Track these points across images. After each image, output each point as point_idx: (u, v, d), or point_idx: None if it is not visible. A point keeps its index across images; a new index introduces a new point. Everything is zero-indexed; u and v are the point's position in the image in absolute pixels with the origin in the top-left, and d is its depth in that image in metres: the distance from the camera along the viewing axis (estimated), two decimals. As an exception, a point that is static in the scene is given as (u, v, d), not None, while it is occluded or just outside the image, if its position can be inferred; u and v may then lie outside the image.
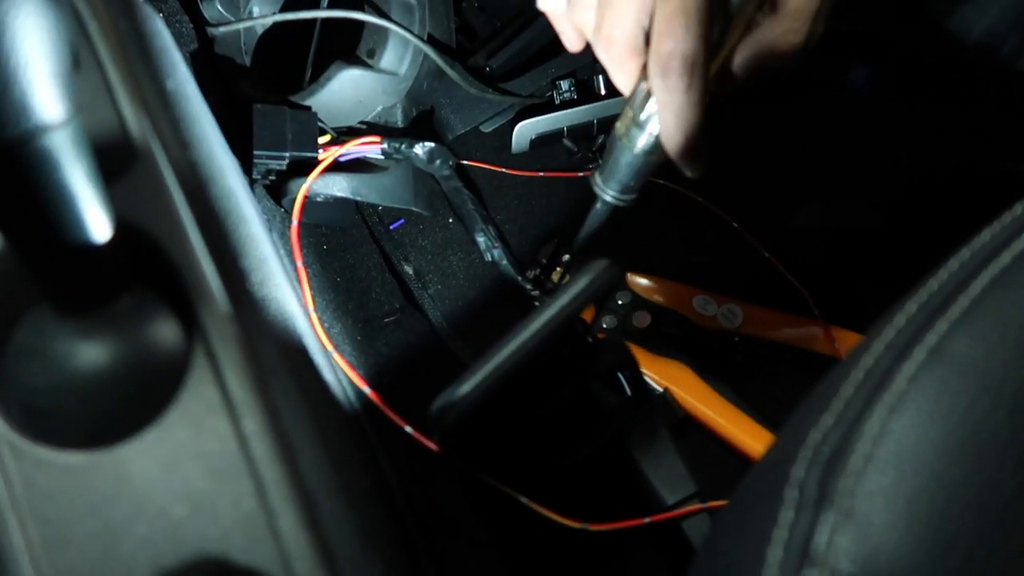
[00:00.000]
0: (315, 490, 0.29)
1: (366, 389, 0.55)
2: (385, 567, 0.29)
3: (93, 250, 0.27)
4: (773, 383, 0.68)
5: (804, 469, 0.24)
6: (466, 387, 0.40)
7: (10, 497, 0.27)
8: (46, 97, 0.23)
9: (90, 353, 0.28)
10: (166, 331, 0.30)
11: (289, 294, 0.34)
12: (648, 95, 0.51)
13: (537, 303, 0.71)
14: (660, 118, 0.49)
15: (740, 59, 0.50)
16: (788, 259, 0.72)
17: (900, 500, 0.23)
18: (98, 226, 0.27)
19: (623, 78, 0.53)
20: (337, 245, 0.77)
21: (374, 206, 0.76)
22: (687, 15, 0.45)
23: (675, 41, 0.46)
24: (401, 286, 0.76)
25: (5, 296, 0.30)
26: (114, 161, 0.32)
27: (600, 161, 0.56)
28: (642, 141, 0.52)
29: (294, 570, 0.27)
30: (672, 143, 0.50)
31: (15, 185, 0.24)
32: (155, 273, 0.31)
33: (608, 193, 0.55)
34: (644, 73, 0.51)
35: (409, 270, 0.74)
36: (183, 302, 0.30)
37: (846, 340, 0.68)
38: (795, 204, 0.78)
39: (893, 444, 0.24)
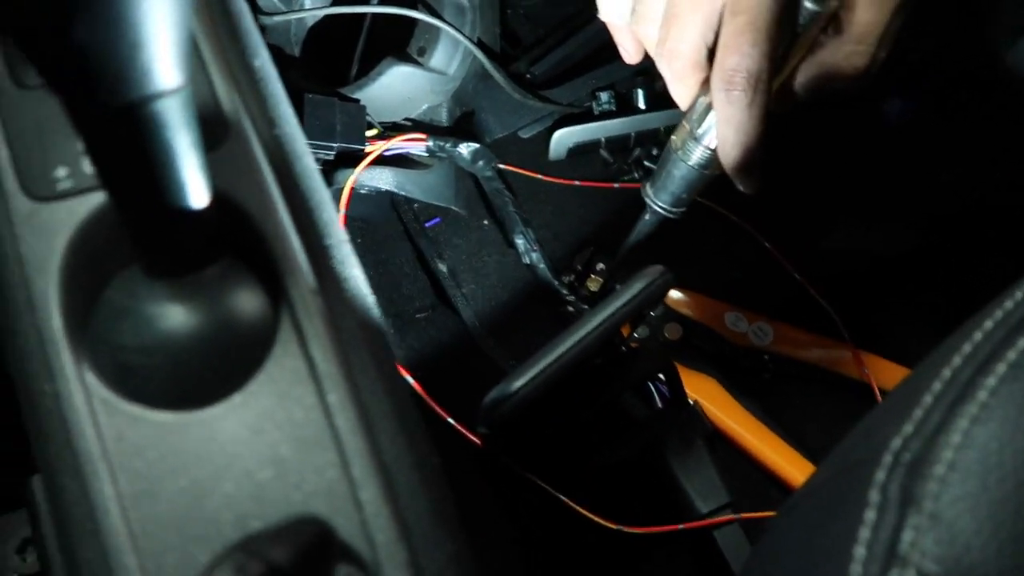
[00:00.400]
0: (392, 465, 0.29)
1: (409, 378, 0.56)
2: (454, 546, 0.30)
3: (191, 215, 0.28)
4: (800, 402, 0.69)
5: (886, 473, 0.25)
6: (520, 381, 0.41)
7: (102, 450, 0.28)
8: (170, 62, 0.24)
9: (181, 316, 0.29)
10: (254, 300, 0.30)
11: (363, 276, 0.35)
12: (707, 109, 0.52)
13: (571, 307, 0.72)
14: (719, 132, 0.50)
15: (802, 78, 0.51)
16: (820, 279, 0.73)
17: (984, 507, 0.23)
18: (198, 192, 0.28)
19: (683, 91, 0.53)
20: (371, 240, 0.78)
21: (410, 203, 0.77)
22: (755, 31, 0.46)
23: (741, 56, 0.47)
24: (433, 284, 0.76)
25: (98, 256, 0.31)
26: (209, 133, 0.33)
27: (636, 172, 0.57)
28: (697, 154, 0.53)
29: (375, 540, 0.27)
30: (730, 158, 0.50)
31: (132, 144, 0.25)
32: (244, 243, 0.32)
33: (658, 204, 0.55)
34: (704, 88, 0.52)
35: (443, 268, 0.75)
36: (271, 273, 0.31)
37: (875, 365, 0.68)
38: (829, 224, 0.78)
39: (976, 453, 0.24)
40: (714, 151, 0.52)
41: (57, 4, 0.20)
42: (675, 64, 0.51)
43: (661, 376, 0.56)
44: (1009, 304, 0.29)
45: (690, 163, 0.53)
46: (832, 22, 0.50)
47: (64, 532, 0.29)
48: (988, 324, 0.29)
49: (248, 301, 0.30)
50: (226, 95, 0.34)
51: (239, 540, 0.27)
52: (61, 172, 0.31)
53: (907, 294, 0.74)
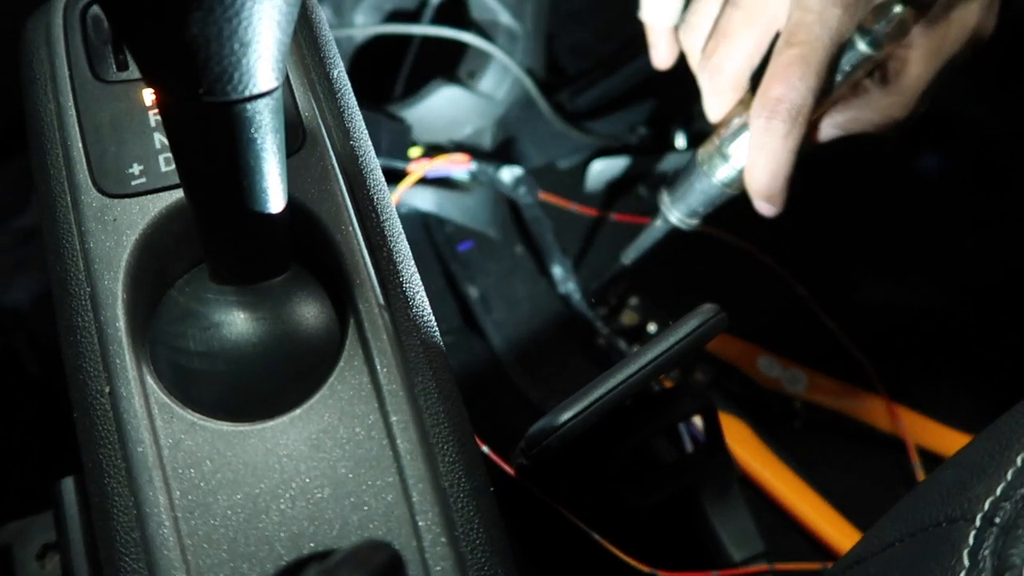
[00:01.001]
0: (451, 491, 0.28)
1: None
2: (508, 580, 0.29)
3: (268, 219, 0.27)
4: (830, 453, 0.68)
5: (977, 537, 0.24)
6: (568, 414, 0.40)
7: (157, 456, 0.27)
8: (271, 64, 0.23)
9: (247, 325, 0.28)
10: (322, 313, 0.30)
11: (426, 296, 0.34)
12: (740, 130, 0.52)
13: (603, 340, 0.71)
14: (751, 156, 0.50)
15: (840, 118, 0.51)
16: (854, 330, 0.72)
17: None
18: (276, 197, 0.27)
19: (717, 107, 0.53)
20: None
21: (443, 225, 0.76)
22: (806, 66, 0.46)
23: (788, 88, 0.47)
24: (461, 307, 0.76)
25: (165, 257, 0.30)
26: (287, 139, 0.32)
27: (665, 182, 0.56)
28: (723, 172, 0.53)
29: (431, 570, 0.26)
30: (756, 182, 0.50)
31: (221, 143, 0.24)
32: (314, 252, 0.31)
33: (674, 213, 0.55)
34: (739, 107, 0.52)
35: (474, 292, 0.74)
36: (339, 285, 0.30)
37: (909, 419, 0.67)
38: (862, 276, 0.78)
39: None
40: (740, 171, 0.52)
41: None
42: (717, 79, 0.51)
43: (696, 418, 0.55)
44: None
45: (713, 179, 0.53)
46: (879, 69, 0.50)
47: (104, 540, 0.28)
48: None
49: (315, 314, 0.30)
50: (305, 103, 0.34)
51: (293, 561, 0.26)
52: (135, 169, 0.30)
53: (943, 349, 0.73)
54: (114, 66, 0.33)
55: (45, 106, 0.33)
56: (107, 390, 0.28)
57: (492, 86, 0.73)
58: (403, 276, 0.32)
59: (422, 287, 0.33)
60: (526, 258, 0.78)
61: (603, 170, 0.81)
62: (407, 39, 0.78)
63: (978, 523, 0.24)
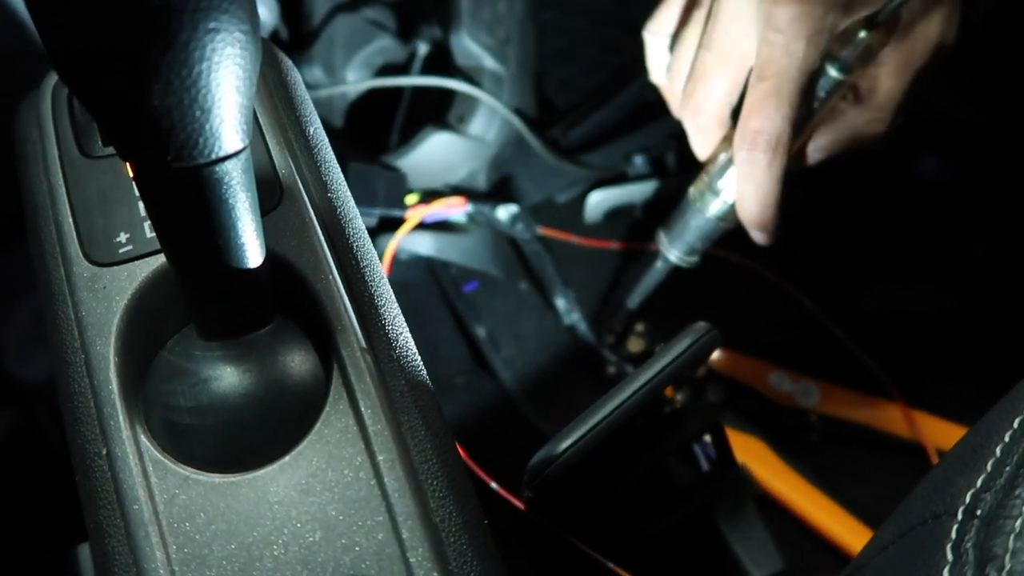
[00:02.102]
0: (442, 526, 0.29)
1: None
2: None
3: (247, 274, 0.28)
4: (850, 464, 0.67)
5: (960, 531, 0.24)
6: (566, 443, 0.40)
7: (152, 512, 0.27)
8: (234, 127, 0.25)
9: (234, 378, 0.29)
10: (306, 360, 0.31)
11: (410, 337, 0.35)
12: (727, 165, 0.53)
13: (613, 368, 0.71)
14: (739, 188, 0.51)
15: (822, 142, 0.52)
16: (865, 339, 0.72)
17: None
18: (254, 254, 0.28)
19: (703, 145, 0.55)
20: (409, 305, 0.78)
21: (447, 267, 0.78)
22: (779, 97, 0.48)
23: (764, 120, 0.48)
24: (471, 348, 0.76)
25: (154, 318, 0.31)
26: (265, 196, 0.34)
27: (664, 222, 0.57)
28: (715, 207, 0.54)
29: (424, 605, 0.27)
30: (747, 213, 0.52)
31: (194, 204, 0.26)
32: (297, 303, 0.32)
33: (673, 253, 0.56)
34: (724, 144, 0.53)
35: (482, 332, 0.75)
36: (322, 332, 0.31)
37: (926, 423, 0.66)
38: (869, 284, 0.78)
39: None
40: (732, 204, 0.53)
41: (135, 73, 0.21)
42: (698, 119, 0.53)
43: (707, 438, 0.55)
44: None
45: (707, 214, 0.54)
46: (852, 89, 0.51)
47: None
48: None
49: (300, 362, 0.30)
50: (281, 160, 0.35)
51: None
52: (122, 237, 0.32)
53: (955, 352, 0.72)
54: (99, 141, 0.35)
55: (38, 185, 0.35)
56: (104, 452, 0.29)
57: (482, 128, 0.75)
58: (385, 319, 0.33)
59: (406, 328, 0.34)
60: (531, 293, 0.78)
61: (601, 201, 0.82)
62: (398, 90, 0.80)
63: (960, 516, 0.24)
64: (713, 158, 0.55)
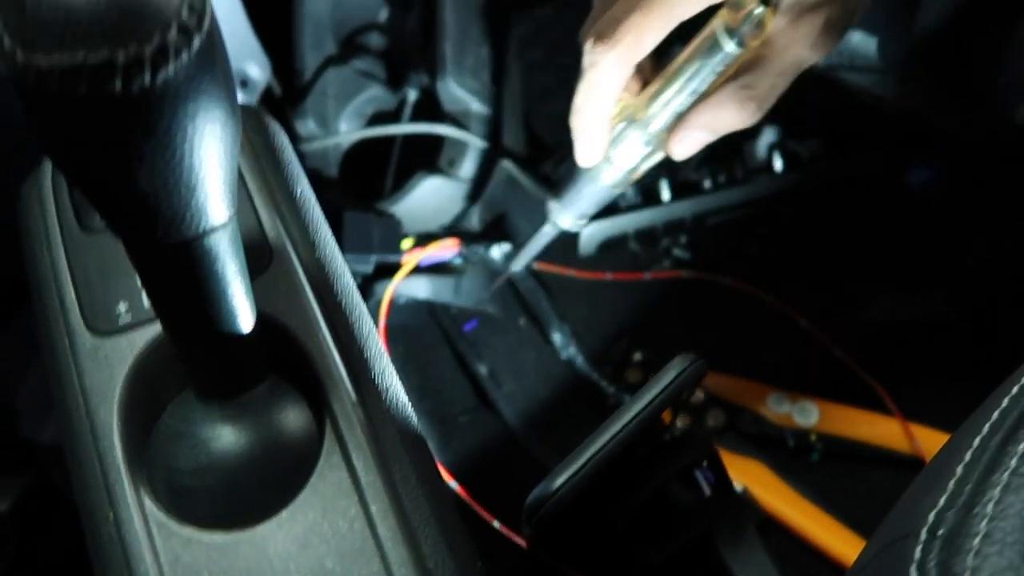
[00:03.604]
0: (435, 571, 0.30)
1: (453, 484, 0.56)
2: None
3: (239, 337, 0.30)
4: (853, 482, 0.67)
5: (923, 550, 0.25)
6: (561, 479, 0.41)
7: (159, 573, 0.29)
8: (220, 200, 0.26)
9: (231, 437, 0.31)
10: (299, 416, 0.32)
11: (401, 386, 0.36)
12: (620, 136, 0.54)
13: (612, 399, 0.72)
14: (579, 97, 0.51)
15: (703, 119, 0.51)
16: (861, 354, 0.73)
17: (1025, 580, 0.23)
18: (245, 317, 0.30)
19: (587, 144, 0.55)
20: (412, 347, 0.80)
21: (447, 308, 0.79)
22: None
23: (622, 14, 0.47)
24: (474, 386, 0.78)
25: (155, 383, 0.33)
26: (255, 259, 0.36)
27: (664, 262, 0.58)
28: (608, 175, 0.55)
29: (420, 649, 0.28)
30: (573, 110, 0.51)
31: (185, 275, 0.27)
32: (289, 361, 0.33)
33: (564, 219, 0.58)
34: (617, 117, 0.54)
35: (483, 370, 0.77)
36: (314, 388, 0.33)
37: (926, 437, 0.67)
38: (865, 298, 0.78)
39: (1011, 523, 0.24)
40: (626, 172, 0.54)
41: (120, 160, 0.22)
42: (578, 120, 0.53)
43: (705, 463, 0.56)
44: (1034, 371, 0.29)
45: (599, 183, 0.56)
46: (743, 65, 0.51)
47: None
48: (1015, 390, 0.29)
49: (294, 418, 0.32)
50: (270, 223, 0.37)
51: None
52: (122, 307, 0.33)
53: (953, 362, 0.73)
54: (98, 216, 0.37)
55: (42, 260, 0.37)
56: (111, 515, 0.30)
57: (472, 170, 0.77)
58: (375, 372, 0.34)
59: (396, 377, 0.36)
60: (529, 329, 0.80)
61: (594, 233, 0.83)
62: (390, 139, 0.82)
63: (923, 536, 0.25)
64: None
